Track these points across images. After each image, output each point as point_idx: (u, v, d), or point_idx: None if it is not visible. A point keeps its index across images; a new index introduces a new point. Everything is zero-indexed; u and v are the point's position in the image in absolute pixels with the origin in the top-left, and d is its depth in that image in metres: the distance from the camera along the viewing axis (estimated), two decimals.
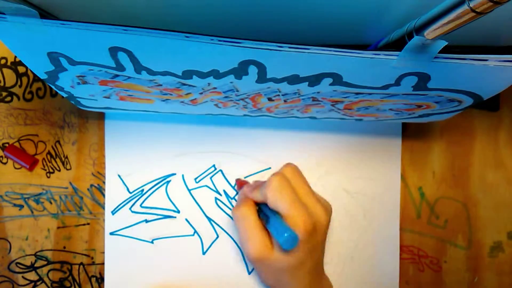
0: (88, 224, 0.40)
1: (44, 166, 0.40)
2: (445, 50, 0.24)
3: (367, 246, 0.41)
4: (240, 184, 0.40)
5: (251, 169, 0.41)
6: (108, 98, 0.33)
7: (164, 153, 0.41)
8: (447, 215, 0.42)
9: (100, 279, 0.40)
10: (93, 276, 0.40)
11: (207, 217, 0.41)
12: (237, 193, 0.41)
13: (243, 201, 0.36)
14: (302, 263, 0.33)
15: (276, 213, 0.34)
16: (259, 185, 0.36)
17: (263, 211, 0.35)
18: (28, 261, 0.40)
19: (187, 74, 0.27)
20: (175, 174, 0.41)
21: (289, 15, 0.28)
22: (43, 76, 0.29)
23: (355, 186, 0.41)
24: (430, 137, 0.42)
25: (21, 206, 0.40)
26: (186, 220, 0.41)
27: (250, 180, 0.41)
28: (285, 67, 0.26)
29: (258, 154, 0.41)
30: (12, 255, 0.40)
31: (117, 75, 0.28)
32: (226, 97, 0.31)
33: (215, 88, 0.29)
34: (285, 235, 0.30)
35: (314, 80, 0.27)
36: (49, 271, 0.40)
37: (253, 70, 0.26)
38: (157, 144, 0.41)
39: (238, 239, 0.40)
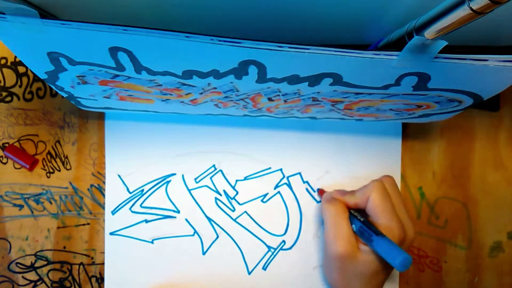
0: (88, 224, 0.40)
1: (44, 166, 0.40)
2: (445, 50, 0.24)
3: None
4: (323, 193, 0.40)
5: (251, 169, 0.41)
6: (108, 98, 0.33)
7: (164, 153, 0.41)
8: (447, 215, 0.42)
9: (100, 279, 0.40)
10: (93, 276, 0.40)
11: (207, 217, 0.41)
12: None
13: (333, 199, 0.36)
14: (378, 273, 0.33)
15: (370, 226, 0.33)
16: (350, 191, 0.37)
17: (356, 220, 0.35)
18: (28, 261, 0.40)
19: (187, 74, 0.27)
20: (175, 174, 0.41)
21: (289, 15, 0.28)
22: (43, 76, 0.29)
23: (355, 186, 0.41)
24: (430, 137, 0.42)
25: (21, 206, 0.40)
26: (186, 220, 0.41)
27: (250, 181, 0.41)
28: (285, 67, 0.26)
29: (258, 154, 0.41)
30: (12, 255, 0.40)
31: (117, 75, 0.28)
32: (226, 97, 0.31)
33: (215, 88, 0.29)
34: (401, 258, 0.30)
35: (314, 80, 0.27)
36: (49, 271, 0.40)
37: (253, 70, 0.26)
38: (157, 144, 0.41)
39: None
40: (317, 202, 0.41)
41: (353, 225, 0.35)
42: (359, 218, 0.35)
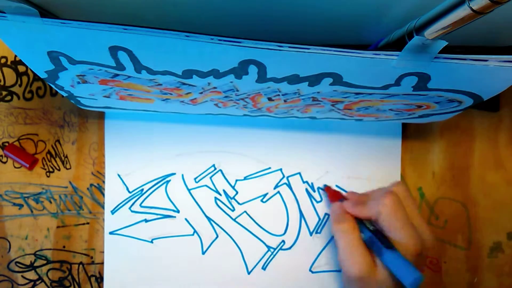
0: (88, 223, 0.40)
1: (44, 166, 0.40)
2: (445, 50, 0.24)
3: None
4: (332, 194, 0.39)
5: (251, 169, 0.41)
6: (108, 97, 0.33)
7: (164, 153, 0.41)
8: (447, 215, 0.42)
9: (100, 279, 0.40)
10: (92, 275, 0.40)
11: (206, 217, 0.41)
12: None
13: (344, 216, 0.35)
14: (397, 284, 0.32)
15: (381, 236, 0.33)
16: (362, 200, 0.35)
17: (365, 229, 0.34)
18: (27, 260, 0.40)
19: (187, 74, 0.27)
20: (174, 173, 0.41)
21: (289, 15, 0.28)
22: (43, 75, 0.29)
23: (355, 186, 0.41)
24: (430, 137, 0.42)
25: (20, 206, 0.40)
26: (186, 220, 0.41)
27: (250, 180, 0.41)
28: (285, 66, 0.26)
29: (258, 154, 0.41)
30: (11, 254, 0.40)
31: (117, 75, 0.28)
32: (226, 96, 0.31)
33: (215, 87, 0.29)
34: (413, 278, 0.29)
35: (314, 80, 0.27)
36: (48, 270, 0.40)
37: (253, 69, 0.26)
38: (157, 144, 0.41)
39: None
40: (317, 202, 0.41)
41: (362, 234, 0.33)
42: (369, 227, 0.33)
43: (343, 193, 0.40)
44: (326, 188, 0.40)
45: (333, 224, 0.35)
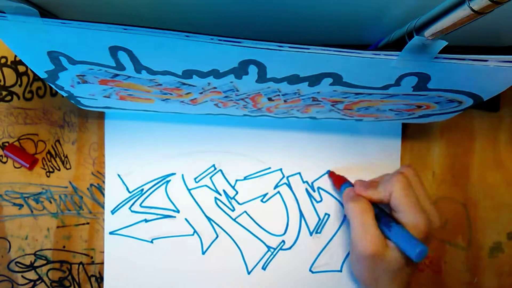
0: (88, 223, 0.40)
1: (44, 166, 0.40)
2: (445, 50, 0.24)
3: None
4: (336, 178, 0.40)
5: (251, 169, 0.41)
6: (108, 97, 0.33)
7: (164, 153, 0.41)
8: (447, 215, 0.42)
9: (100, 279, 0.40)
10: (92, 275, 0.40)
11: (206, 217, 0.41)
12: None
13: (357, 196, 0.36)
14: (404, 267, 0.33)
15: (387, 214, 0.34)
16: (372, 184, 0.36)
17: (377, 211, 0.35)
18: (27, 260, 0.40)
19: (187, 74, 0.27)
20: (174, 173, 0.41)
21: (289, 15, 0.28)
22: (43, 75, 0.29)
23: None
24: (430, 137, 0.42)
25: (20, 206, 0.40)
26: (186, 219, 0.41)
27: (250, 180, 0.41)
28: (285, 66, 0.26)
29: (258, 154, 0.41)
30: (11, 254, 0.40)
31: (117, 75, 0.28)
32: (226, 97, 0.31)
33: (215, 87, 0.29)
34: (418, 250, 0.30)
35: (314, 80, 0.27)
36: (48, 270, 0.40)
37: (253, 69, 0.26)
38: (157, 144, 0.41)
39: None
40: (317, 202, 0.41)
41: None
42: (378, 212, 0.35)
43: (351, 181, 0.40)
44: (330, 174, 0.41)
45: (349, 203, 0.35)
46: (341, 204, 0.41)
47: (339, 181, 0.39)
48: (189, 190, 0.41)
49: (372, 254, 0.33)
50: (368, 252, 0.33)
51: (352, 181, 0.39)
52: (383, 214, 0.34)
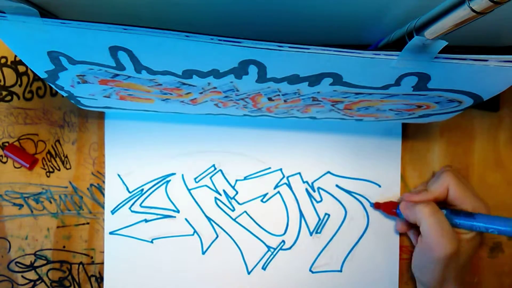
0: (88, 223, 0.40)
1: (44, 166, 0.40)
2: (445, 50, 0.24)
3: (367, 246, 0.41)
4: (385, 206, 0.40)
5: (251, 169, 0.41)
6: (108, 97, 0.33)
7: (164, 153, 0.41)
8: None
9: (100, 279, 0.40)
10: (92, 275, 0.40)
11: (206, 217, 0.41)
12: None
13: (420, 201, 0.36)
14: (470, 259, 0.36)
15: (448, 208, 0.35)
16: (423, 189, 0.37)
17: (446, 211, 0.36)
18: (27, 260, 0.40)
19: (187, 74, 0.27)
20: (174, 173, 0.41)
21: (289, 15, 0.28)
22: (43, 75, 0.29)
23: (355, 186, 0.41)
24: (430, 137, 0.42)
25: (20, 206, 0.40)
26: (186, 220, 0.41)
27: (250, 180, 0.41)
28: (285, 66, 0.26)
29: (258, 154, 0.41)
30: (11, 254, 0.40)
31: (117, 75, 0.28)
32: (226, 96, 0.31)
33: (215, 87, 0.29)
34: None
35: (314, 80, 0.27)
36: (48, 270, 0.40)
37: (253, 69, 0.26)
38: (157, 144, 0.41)
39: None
40: (317, 202, 0.41)
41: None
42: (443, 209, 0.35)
43: (395, 200, 0.41)
44: (376, 205, 0.40)
45: (416, 208, 0.35)
46: (342, 204, 0.41)
47: (389, 207, 0.39)
48: (189, 190, 0.41)
49: (451, 253, 0.33)
50: (449, 251, 0.33)
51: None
52: (454, 209, 0.35)
